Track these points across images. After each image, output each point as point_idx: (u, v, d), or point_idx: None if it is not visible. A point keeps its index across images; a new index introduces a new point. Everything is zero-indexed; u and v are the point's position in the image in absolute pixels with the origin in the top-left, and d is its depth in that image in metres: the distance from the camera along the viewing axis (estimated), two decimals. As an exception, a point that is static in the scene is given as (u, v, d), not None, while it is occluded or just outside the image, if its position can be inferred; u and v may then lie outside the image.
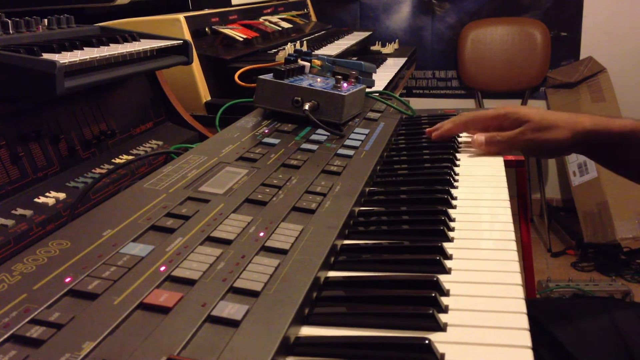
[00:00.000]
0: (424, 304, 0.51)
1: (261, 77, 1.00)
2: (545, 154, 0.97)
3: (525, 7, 2.98)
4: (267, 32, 1.80)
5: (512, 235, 0.66)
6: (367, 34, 2.40)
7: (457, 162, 0.93)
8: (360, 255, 0.63)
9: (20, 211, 0.76)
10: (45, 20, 1.01)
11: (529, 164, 2.97)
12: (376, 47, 2.45)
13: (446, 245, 0.63)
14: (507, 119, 0.92)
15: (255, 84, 1.01)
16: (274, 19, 1.98)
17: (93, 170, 0.92)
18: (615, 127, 0.87)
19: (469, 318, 0.50)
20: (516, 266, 0.59)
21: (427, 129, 0.99)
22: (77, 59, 0.83)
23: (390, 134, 1.00)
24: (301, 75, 1.08)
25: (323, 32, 2.25)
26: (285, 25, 1.97)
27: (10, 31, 0.92)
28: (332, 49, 1.82)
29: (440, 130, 0.97)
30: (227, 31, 1.58)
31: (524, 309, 0.51)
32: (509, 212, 0.73)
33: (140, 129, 1.11)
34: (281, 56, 1.44)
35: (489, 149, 0.92)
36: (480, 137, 0.93)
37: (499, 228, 0.69)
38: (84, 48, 0.92)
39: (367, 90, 1.18)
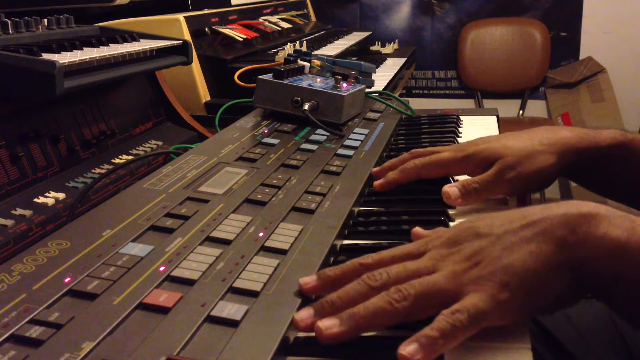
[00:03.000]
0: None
1: (261, 77, 1.00)
2: (533, 189, 0.76)
3: (525, 7, 2.98)
4: (266, 32, 1.80)
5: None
6: (366, 34, 2.40)
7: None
8: (359, 255, 0.63)
9: (19, 211, 0.76)
10: (45, 20, 1.01)
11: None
12: (376, 47, 2.46)
13: (446, 245, 0.63)
14: (470, 160, 0.76)
15: (254, 84, 1.01)
16: (274, 19, 1.98)
17: (93, 171, 0.92)
18: (602, 141, 0.74)
19: (468, 318, 0.50)
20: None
21: (373, 170, 0.82)
22: (77, 59, 0.83)
23: (390, 134, 0.99)
24: (301, 75, 1.08)
25: (323, 32, 2.25)
26: (285, 25, 1.97)
27: (10, 31, 0.92)
28: (332, 49, 1.82)
29: (385, 179, 0.79)
30: (227, 31, 1.58)
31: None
32: (508, 212, 0.73)
33: (140, 129, 1.11)
34: (281, 56, 1.44)
35: (467, 201, 0.73)
36: (452, 189, 0.72)
37: (499, 228, 0.69)
38: (84, 48, 0.92)
39: (367, 90, 1.18)
